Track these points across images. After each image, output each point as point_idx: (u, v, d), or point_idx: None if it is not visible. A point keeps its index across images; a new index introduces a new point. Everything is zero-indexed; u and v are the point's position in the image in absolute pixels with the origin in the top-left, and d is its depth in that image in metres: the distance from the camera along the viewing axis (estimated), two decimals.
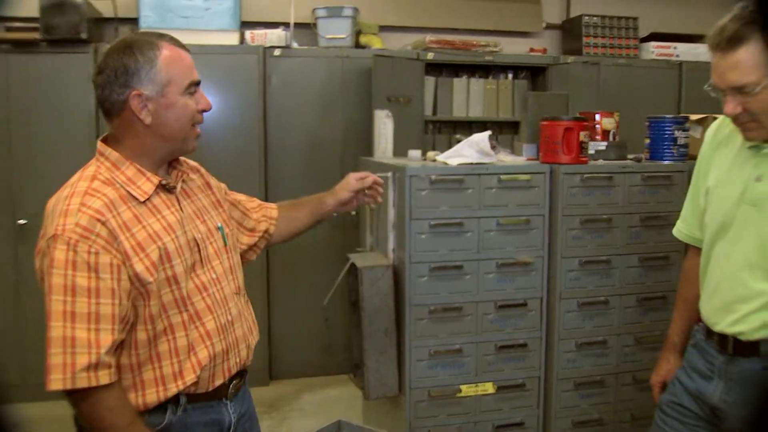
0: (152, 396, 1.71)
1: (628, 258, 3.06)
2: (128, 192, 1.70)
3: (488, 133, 3.01)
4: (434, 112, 5.32)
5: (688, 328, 2.19)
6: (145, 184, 1.73)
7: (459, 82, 5.37)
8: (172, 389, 1.73)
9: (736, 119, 1.85)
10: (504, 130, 5.62)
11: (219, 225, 1.91)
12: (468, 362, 2.95)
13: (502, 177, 2.90)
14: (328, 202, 2.27)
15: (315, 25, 5.01)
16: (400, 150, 4.18)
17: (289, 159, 4.85)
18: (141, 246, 1.66)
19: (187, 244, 1.77)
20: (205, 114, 1.82)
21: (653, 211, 3.07)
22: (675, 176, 3.09)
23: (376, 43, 5.16)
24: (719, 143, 2.07)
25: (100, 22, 4.68)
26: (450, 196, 2.86)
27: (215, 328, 1.80)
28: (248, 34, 4.73)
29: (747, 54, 1.74)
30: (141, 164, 1.74)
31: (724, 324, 1.95)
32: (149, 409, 1.72)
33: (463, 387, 2.96)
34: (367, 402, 3.39)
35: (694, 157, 3.28)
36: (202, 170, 2.04)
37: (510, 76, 5.62)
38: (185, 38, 1.92)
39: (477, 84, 5.43)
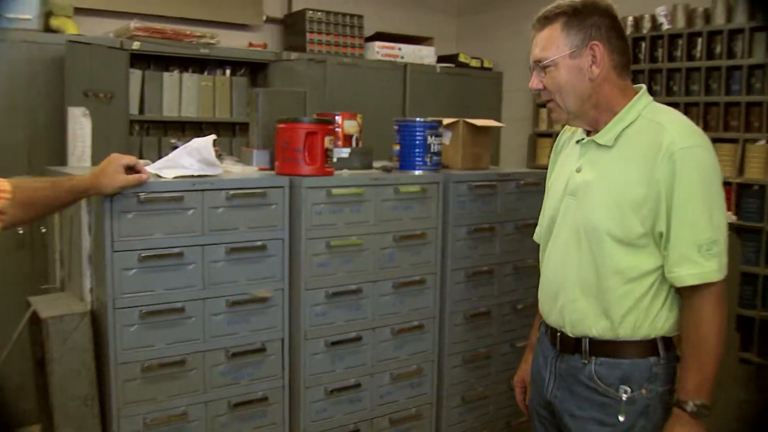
0: None
1: (381, 285, 2.63)
2: None
3: (212, 137, 2.41)
4: (141, 111, 4.59)
5: None
6: None
7: (170, 77, 4.68)
8: None
9: (540, 98, 2.00)
10: (222, 133, 5.05)
11: None
12: (196, 428, 2.32)
13: (232, 193, 2.32)
14: (88, 192, 2.09)
15: None
16: (100, 156, 3.45)
17: None
18: None
19: None
20: None
21: (408, 229, 2.66)
22: (430, 188, 2.71)
23: (70, 27, 4.31)
24: (562, 147, 2.17)
25: None
26: (165, 218, 2.21)
27: None
28: None
29: (549, 32, 1.91)
30: None
31: (553, 316, 2.02)
32: None
33: None
34: None
35: (446, 166, 2.97)
36: None
37: (228, 72, 5.06)
38: None
39: (191, 79, 4.79)
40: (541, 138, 5.95)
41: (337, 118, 2.85)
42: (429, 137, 2.75)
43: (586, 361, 1.93)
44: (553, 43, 1.89)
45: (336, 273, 2.51)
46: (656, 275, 1.87)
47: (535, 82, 1.96)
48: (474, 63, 6.23)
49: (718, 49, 4.74)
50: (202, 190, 2.27)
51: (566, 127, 2.17)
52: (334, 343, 2.52)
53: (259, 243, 2.38)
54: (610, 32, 1.89)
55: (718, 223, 1.81)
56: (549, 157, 5.81)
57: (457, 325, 2.85)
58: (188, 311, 2.27)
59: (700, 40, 4.82)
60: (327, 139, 2.47)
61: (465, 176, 2.81)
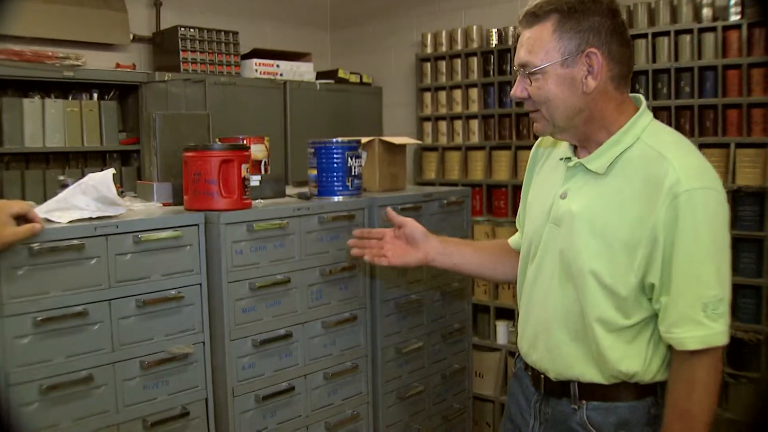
0: None
1: (311, 326, 2.36)
2: None
3: (111, 171, 2.07)
4: (0, 142, 4.09)
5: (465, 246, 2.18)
6: None
7: (31, 104, 4.20)
8: None
9: (525, 107, 1.73)
10: (91, 162, 4.62)
11: None
12: None
13: (142, 237, 1.99)
14: None
15: None
16: None
17: None
18: None
19: None
20: None
21: (335, 262, 2.41)
22: (357, 215, 2.47)
23: None
24: (541, 160, 1.92)
25: None
26: (64, 272, 1.86)
27: None
28: None
29: (538, 32, 1.64)
30: None
31: (535, 356, 1.80)
32: None
33: None
34: None
35: (364, 189, 2.73)
36: None
37: (95, 95, 4.62)
38: None
39: (54, 106, 4.32)
40: (427, 152, 5.83)
41: (243, 142, 2.57)
42: (349, 159, 2.51)
43: (577, 407, 1.71)
44: (543, 47, 1.62)
45: (262, 318, 2.23)
46: (644, 324, 1.65)
47: (518, 90, 1.69)
48: (353, 78, 6.04)
49: None
50: (106, 235, 1.93)
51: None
52: (265, 398, 2.23)
53: (174, 292, 2.06)
54: (611, 37, 1.61)
55: (725, 277, 1.58)
56: (435, 171, 5.66)
57: (389, 361, 2.62)
58: (97, 380, 1.91)
59: None
60: (244, 167, 2.18)
61: (389, 199, 2.59)
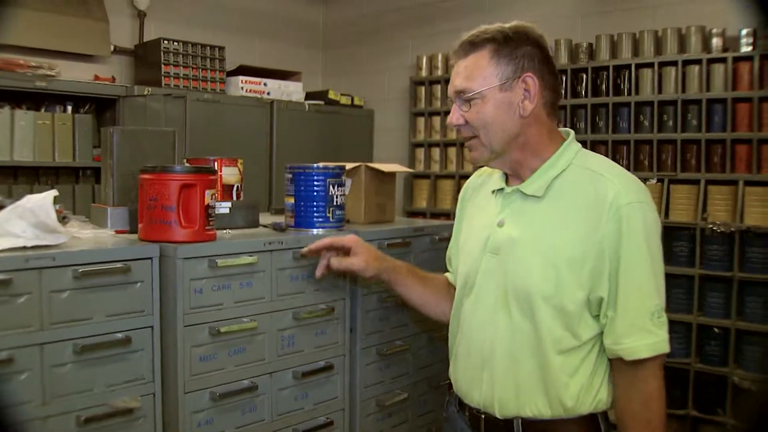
0: None
1: (281, 376, 2.07)
2: None
3: (52, 193, 1.80)
4: None
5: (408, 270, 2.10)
6: None
7: (0, 114, 3.96)
8: None
9: (460, 135, 1.80)
10: (63, 179, 4.36)
11: None
12: None
13: (82, 270, 1.71)
14: None
15: None
16: None
17: None
18: None
19: None
20: None
21: (309, 304, 2.13)
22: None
23: None
24: (471, 195, 1.99)
25: None
26: None
27: None
28: None
29: (475, 60, 1.72)
30: None
31: (476, 393, 1.78)
32: None
33: None
34: None
35: (347, 221, 2.47)
36: None
37: (69, 108, 4.37)
38: None
39: (25, 117, 4.08)
40: (418, 179, 5.58)
41: (214, 164, 2.31)
42: (331, 187, 2.25)
43: None
44: (480, 73, 1.70)
45: (224, 367, 1.94)
46: (591, 345, 1.69)
47: (455, 117, 1.74)
48: (344, 100, 5.81)
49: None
50: (40, 269, 1.64)
51: (475, 173, 2.01)
52: None
53: (120, 335, 1.77)
54: (543, 66, 1.71)
55: (662, 287, 1.68)
56: (426, 200, 5.43)
57: (368, 415, 2.34)
58: None
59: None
60: (208, 193, 1.91)
61: (375, 233, 2.32)
